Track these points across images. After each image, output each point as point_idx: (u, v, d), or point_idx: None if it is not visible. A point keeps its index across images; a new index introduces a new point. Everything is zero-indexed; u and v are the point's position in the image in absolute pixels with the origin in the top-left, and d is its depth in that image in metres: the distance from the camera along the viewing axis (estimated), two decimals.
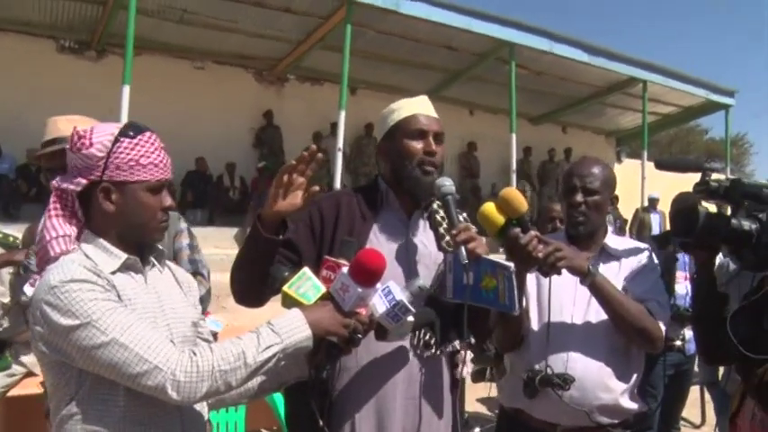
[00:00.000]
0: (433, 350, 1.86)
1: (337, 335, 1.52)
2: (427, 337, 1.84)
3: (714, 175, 1.97)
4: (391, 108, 2.00)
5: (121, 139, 1.50)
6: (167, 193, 1.58)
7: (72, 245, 1.51)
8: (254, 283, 1.81)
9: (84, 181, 1.51)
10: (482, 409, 5.57)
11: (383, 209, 1.96)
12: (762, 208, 1.84)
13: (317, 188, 1.75)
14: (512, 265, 1.75)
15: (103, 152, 1.49)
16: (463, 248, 1.73)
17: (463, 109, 14.46)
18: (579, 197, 2.23)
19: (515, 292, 1.73)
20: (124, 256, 1.52)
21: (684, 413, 4.62)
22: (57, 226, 1.52)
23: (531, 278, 2.17)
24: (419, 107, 1.97)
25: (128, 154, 1.49)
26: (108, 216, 1.51)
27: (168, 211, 1.58)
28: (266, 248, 1.73)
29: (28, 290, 1.55)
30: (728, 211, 1.90)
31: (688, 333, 3.83)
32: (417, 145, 1.91)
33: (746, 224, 1.82)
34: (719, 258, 2.91)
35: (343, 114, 10.06)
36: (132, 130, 1.52)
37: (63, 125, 2.55)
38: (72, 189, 1.52)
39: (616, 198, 2.32)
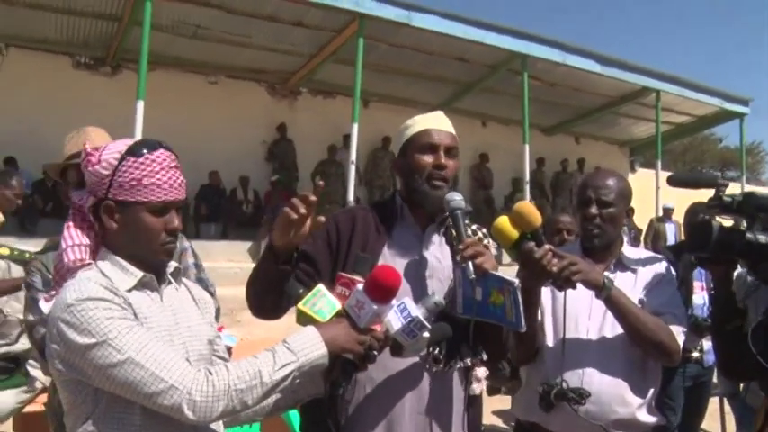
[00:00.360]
0: (441, 365, 1.86)
1: (353, 352, 1.51)
2: (436, 352, 1.84)
3: (728, 189, 1.96)
4: (406, 124, 2.02)
5: (127, 158, 1.49)
6: (174, 215, 1.55)
7: (87, 254, 1.52)
8: (270, 299, 1.81)
9: (92, 197, 1.52)
10: (497, 422, 5.53)
11: (398, 224, 1.97)
12: None
13: (322, 219, 1.72)
14: (516, 280, 1.73)
15: (109, 170, 1.49)
16: (471, 263, 1.72)
17: (476, 120, 14.45)
18: (594, 209, 2.21)
19: (521, 308, 1.70)
20: (140, 273, 1.52)
21: (704, 425, 4.55)
22: (73, 235, 1.53)
23: (546, 291, 2.16)
24: (432, 122, 1.98)
25: (131, 174, 1.48)
26: (114, 234, 1.52)
27: (174, 233, 1.55)
28: (279, 276, 1.73)
29: (44, 306, 1.55)
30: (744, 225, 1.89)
31: (706, 344, 3.78)
32: (427, 159, 1.92)
33: (763, 238, 1.81)
34: (738, 269, 2.88)
35: (355, 127, 10.09)
36: (144, 147, 1.51)
37: (94, 135, 2.57)
38: (83, 204, 1.54)
39: (632, 210, 2.30)
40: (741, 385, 3.92)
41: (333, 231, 1.93)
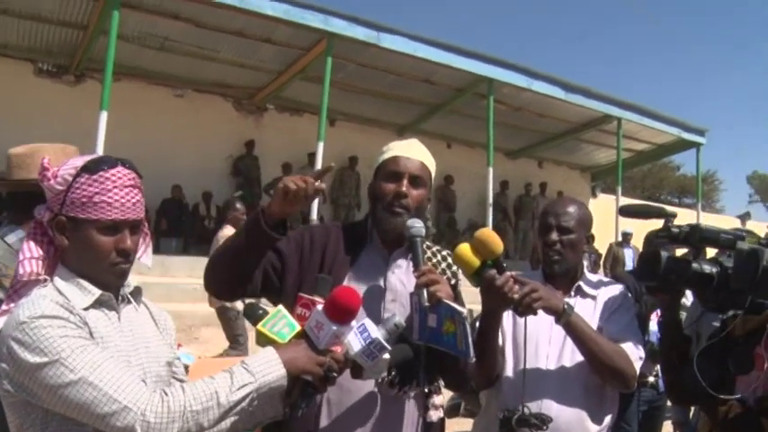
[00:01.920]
0: (396, 390, 1.85)
1: (312, 373, 1.50)
2: (391, 377, 1.83)
3: (686, 215, 2.02)
4: (382, 149, 2.04)
5: (81, 175, 1.46)
6: (127, 235, 1.51)
7: (42, 268, 1.49)
8: (234, 273, 1.83)
9: (49, 213, 1.50)
10: None
11: (367, 246, 1.98)
12: (724, 252, 1.90)
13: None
14: (464, 310, 1.74)
15: (63, 186, 1.46)
16: (425, 291, 1.74)
17: (441, 142, 14.58)
18: (554, 236, 2.24)
19: (469, 338, 1.71)
20: (98, 292, 1.48)
21: None
22: (31, 248, 1.50)
23: (507, 315, 2.17)
24: (403, 150, 1.99)
25: (83, 190, 1.45)
26: (66, 251, 1.49)
27: (125, 253, 1.51)
28: (262, 242, 1.77)
29: None
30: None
31: None
32: (390, 186, 1.93)
33: (707, 268, 1.87)
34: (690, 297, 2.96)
35: (321, 145, 10.09)
36: (102, 164, 1.48)
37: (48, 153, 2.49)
38: (40, 218, 1.51)
39: (592, 237, 2.34)
40: (692, 413, 4.01)
41: (307, 240, 1.95)
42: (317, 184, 1.74)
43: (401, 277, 1.95)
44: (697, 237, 1.92)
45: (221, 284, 1.89)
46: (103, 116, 8.27)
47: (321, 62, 10.34)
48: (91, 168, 1.47)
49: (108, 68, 8.56)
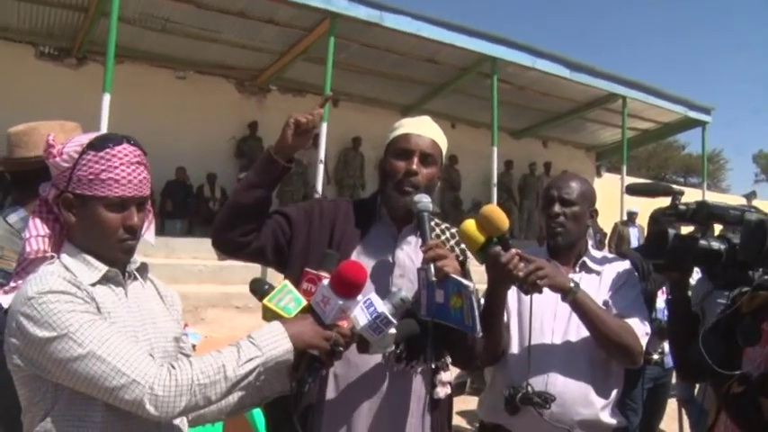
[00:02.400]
0: (403, 365, 1.86)
1: (318, 348, 1.51)
2: (398, 352, 1.84)
3: (691, 195, 2.02)
4: (393, 126, 2.02)
5: (87, 152, 1.46)
6: (134, 212, 1.51)
7: (48, 245, 1.49)
8: (242, 215, 1.84)
9: (54, 190, 1.50)
10: (461, 422, 5.55)
11: (376, 223, 1.98)
12: (734, 229, 1.89)
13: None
14: (471, 284, 1.73)
15: (69, 163, 1.46)
16: (432, 266, 1.73)
17: (445, 122, 14.50)
18: (557, 208, 2.25)
19: (476, 312, 1.70)
20: (105, 268, 1.49)
21: (662, 426, 4.64)
22: (38, 226, 1.51)
23: (511, 291, 2.17)
24: (413, 127, 1.98)
25: (90, 167, 1.45)
26: (73, 228, 1.50)
27: (132, 230, 1.51)
28: (274, 175, 1.83)
29: (2, 298, 1.51)
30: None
31: (667, 346, 3.86)
32: (400, 164, 1.92)
33: (715, 244, 1.87)
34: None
35: (325, 126, 10.05)
36: (107, 141, 1.48)
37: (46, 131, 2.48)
38: (45, 196, 1.51)
39: (596, 212, 2.34)
40: (696, 391, 4.03)
41: (317, 212, 1.97)
42: (319, 111, 1.84)
43: (410, 253, 1.94)
44: (704, 213, 1.92)
45: (228, 230, 1.85)
46: (106, 99, 8.24)
47: (324, 42, 10.26)
48: (97, 145, 1.47)
49: (110, 51, 8.51)
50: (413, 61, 12.24)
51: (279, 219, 1.92)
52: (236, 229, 1.85)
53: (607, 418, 2.17)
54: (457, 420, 5.54)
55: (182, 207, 11.51)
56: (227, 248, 1.91)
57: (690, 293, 2.12)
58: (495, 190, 12.05)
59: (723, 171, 36.20)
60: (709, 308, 2.77)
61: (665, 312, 3.82)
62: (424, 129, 1.97)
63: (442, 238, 2.02)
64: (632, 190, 2.19)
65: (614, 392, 2.21)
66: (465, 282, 1.72)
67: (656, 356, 3.93)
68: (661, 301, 3.91)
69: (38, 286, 1.36)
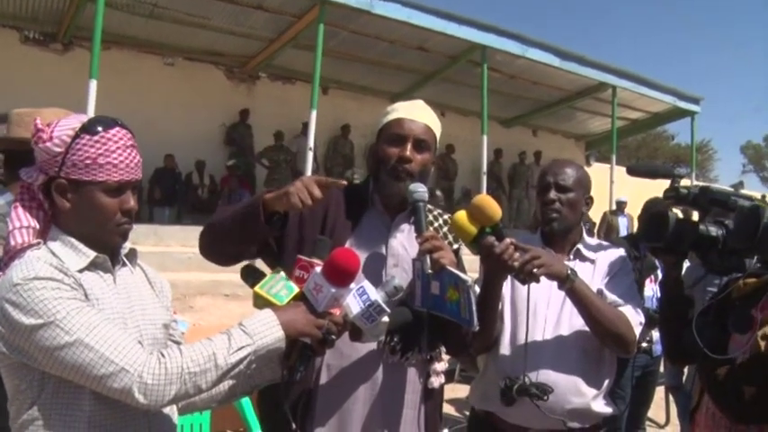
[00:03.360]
0: (398, 356, 1.84)
1: (310, 336, 1.49)
2: (392, 343, 1.82)
3: (682, 182, 2.01)
4: (385, 110, 1.98)
5: (82, 136, 1.42)
6: (131, 195, 1.49)
7: (34, 237, 1.45)
8: (228, 249, 1.82)
9: (43, 175, 1.46)
10: (450, 410, 5.57)
11: (369, 210, 1.94)
12: (727, 214, 1.88)
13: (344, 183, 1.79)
14: (469, 279, 1.70)
15: (61, 148, 1.42)
16: (428, 257, 1.70)
17: (435, 110, 14.26)
18: (552, 194, 2.23)
19: (473, 306, 1.68)
20: (93, 254, 1.46)
21: (649, 413, 4.68)
22: (21, 217, 1.46)
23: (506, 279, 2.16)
24: (407, 111, 1.93)
25: (85, 152, 1.42)
26: (66, 214, 1.46)
27: (129, 213, 1.50)
28: (257, 231, 1.73)
29: None
30: (694, 217, 1.95)
31: (655, 335, 3.89)
32: (393, 150, 1.88)
33: (713, 230, 1.87)
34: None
35: (314, 114, 10.00)
36: (99, 125, 1.45)
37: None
38: (32, 182, 1.47)
39: (591, 199, 2.33)
40: (684, 378, 4.06)
41: None
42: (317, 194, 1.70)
43: (403, 242, 1.91)
44: (706, 198, 1.91)
45: (215, 256, 1.87)
46: (93, 85, 8.13)
47: (313, 29, 10.18)
48: (90, 129, 1.43)
49: (96, 36, 8.40)
50: (403, 49, 12.19)
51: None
52: (220, 257, 1.86)
53: (598, 407, 2.16)
54: (446, 408, 5.54)
55: (170, 194, 11.43)
56: (213, 261, 1.89)
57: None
58: (484, 179, 12.05)
59: (711, 161, 36.44)
60: (697, 294, 2.78)
61: (653, 301, 3.85)
62: (417, 113, 1.93)
63: (435, 224, 2.00)
64: (633, 170, 2.17)
65: (606, 382, 2.20)
66: (463, 276, 1.69)
67: (644, 345, 3.94)
68: (649, 289, 3.93)
69: (24, 272, 1.33)
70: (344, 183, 1.76)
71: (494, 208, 1.86)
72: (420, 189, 1.82)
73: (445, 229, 2.01)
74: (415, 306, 1.80)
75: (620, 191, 12.79)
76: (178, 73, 12.15)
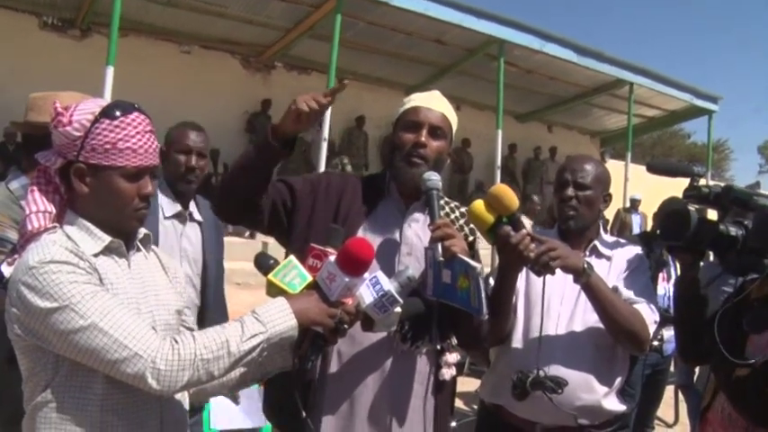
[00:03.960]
0: (408, 345, 1.84)
1: (323, 325, 1.49)
2: (403, 332, 1.82)
3: (701, 181, 1.99)
4: (403, 101, 2.00)
5: (101, 120, 1.43)
6: (149, 180, 1.50)
7: (50, 221, 1.46)
8: (242, 190, 1.81)
9: (61, 159, 1.46)
10: (459, 404, 5.58)
11: (384, 199, 1.95)
12: (745, 214, 1.86)
13: (346, 82, 1.77)
14: (479, 266, 1.70)
15: (81, 132, 1.42)
16: (439, 245, 1.70)
17: (450, 104, 14.35)
18: (570, 191, 2.21)
19: (482, 294, 1.68)
20: (108, 238, 1.47)
21: (658, 412, 4.66)
22: (38, 201, 1.47)
23: (521, 273, 2.15)
24: (423, 101, 1.96)
25: (105, 136, 1.42)
26: (84, 198, 1.46)
27: (147, 199, 1.50)
28: (271, 158, 1.75)
29: (5, 270, 1.49)
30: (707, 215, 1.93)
31: (666, 333, 3.87)
32: (409, 137, 1.90)
33: (733, 230, 1.85)
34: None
35: None
36: (117, 110, 1.45)
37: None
38: (49, 166, 1.47)
39: (609, 196, 2.31)
40: (696, 377, 4.03)
41: (323, 184, 1.94)
42: (327, 100, 1.72)
43: (417, 231, 1.92)
44: (729, 198, 1.88)
45: (229, 202, 1.85)
46: (110, 71, 8.17)
47: (330, 20, 10.15)
48: (110, 114, 1.44)
49: (114, 23, 8.43)
50: (419, 41, 12.13)
51: (281, 188, 1.89)
52: (234, 198, 1.83)
53: (610, 404, 2.15)
54: (455, 402, 5.56)
55: None
56: (226, 216, 1.92)
57: None
58: (498, 173, 12.01)
59: (727, 161, 36.09)
60: (712, 294, 2.76)
61: (665, 300, 3.83)
62: (434, 103, 1.96)
63: (452, 216, 1.99)
64: (653, 167, 2.15)
65: (618, 379, 2.19)
66: (472, 263, 1.69)
67: (655, 343, 3.93)
68: (661, 287, 3.91)
69: (39, 255, 1.34)
70: (347, 82, 1.76)
71: (511, 197, 1.86)
72: (434, 177, 1.83)
73: (462, 221, 2.01)
74: (427, 295, 1.80)
75: (634, 188, 12.70)
76: (194, 61, 12.17)
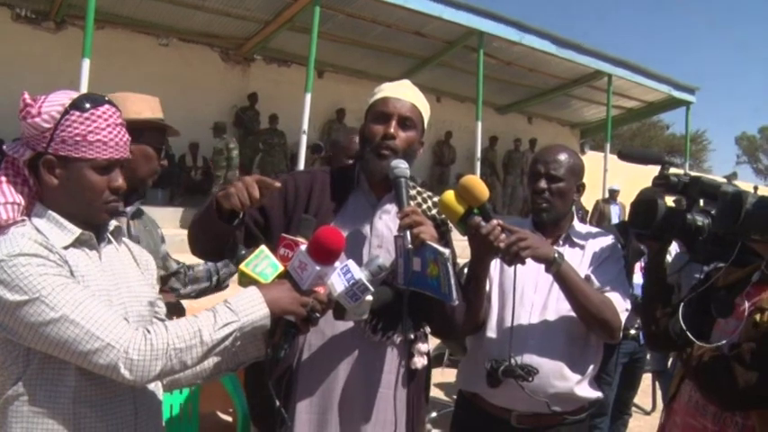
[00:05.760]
0: (379, 336, 1.85)
1: (295, 314, 1.50)
2: (374, 322, 1.83)
3: (672, 170, 2.02)
4: (373, 91, 1.99)
5: (71, 112, 1.42)
6: (119, 174, 1.49)
7: (19, 213, 1.44)
8: (210, 245, 1.83)
9: (30, 151, 1.45)
10: (440, 395, 5.61)
11: (354, 191, 1.95)
12: (714, 204, 1.90)
13: (278, 185, 1.71)
14: (447, 251, 1.70)
15: (50, 123, 1.41)
16: (408, 233, 1.71)
17: (430, 96, 14.35)
18: (543, 184, 2.21)
19: (452, 280, 1.68)
20: (78, 231, 1.46)
21: (636, 400, 4.72)
22: (6, 192, 1.45)
23: (494, 262, 2.16)
24: (393, 91, 1.94)
25: (75, 129, 1.41)
26: (53, 190, 1.45)
27: (117, 191, 1.49)
28: (218, 230, 1.74)
29: None
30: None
31: None
32: (378, 128, 1.89)
33: (700, 219, 1.89)
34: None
35: (308, 97, 9.96)
36: (88, 102, 1.44)
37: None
38: (17, 157, 1.46)
39: (583, 186, 2.31)
40: (670, 363, 4.09)
41: (291, 189, 1.92)
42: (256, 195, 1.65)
43: (388, 223, 1.92)
44: (697, 189, 1.92)
45: (200, 254, 1.92)
46: (86, 64, 8.09)
47: (309, 12, 10.13)
48: (80, 106, 1.43)
49: (89, 15, 8.33)
50: (399, 33, 12.14)
51: (255, 217, 1.88)
52: (207, 253, 1.91)
53: (582, 391, 2.17)
54: (435, 392, 5.59)
55: (163, 176, 11.37)
56: (205, 259, 1.93)
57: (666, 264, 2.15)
58: (478, 165, 12.08)
59: (706, 152, 36.57)
60: (685, 281, 2.80)
61: (642, 289, 3.87)
62: (403, 92, 1.94)
63: (424, 206, 2.00)
64: (624, 155, 2.18)
65: (591, 367, 2.21)
66: (441, 249, 1.69)
67: (632, 331, 3.97)
68: (638, 277, 3.95)
69: (8, 249, 1.33)
70: (279, 185, 1.70)
71: (481, 188, 1.86)
72: (401, 165, 1.82)
73: (434, 211, 2.01)
74: (398, 283, 1.80)
75: (613, 179, 12.84)
76: (173, 54, 12.07)
